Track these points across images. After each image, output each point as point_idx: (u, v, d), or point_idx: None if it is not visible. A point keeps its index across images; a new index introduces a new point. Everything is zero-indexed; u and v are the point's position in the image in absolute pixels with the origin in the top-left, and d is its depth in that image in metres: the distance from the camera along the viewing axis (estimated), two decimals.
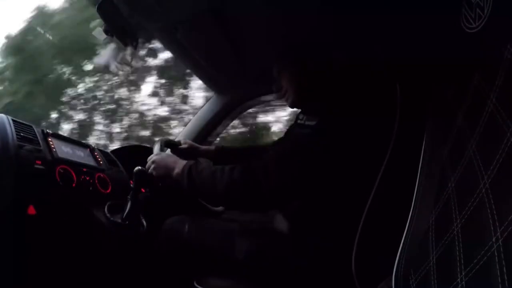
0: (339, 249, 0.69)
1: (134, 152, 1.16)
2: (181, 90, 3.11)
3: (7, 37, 3.22)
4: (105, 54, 0.87)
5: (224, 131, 1.58)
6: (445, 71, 0.52)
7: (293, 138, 0.76)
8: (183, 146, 1.06)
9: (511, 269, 0.25)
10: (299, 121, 0.80)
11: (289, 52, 0.88)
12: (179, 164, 0.77)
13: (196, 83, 2.85)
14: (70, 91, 3.38)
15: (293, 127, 0.81)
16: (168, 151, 1.07)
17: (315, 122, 0.71)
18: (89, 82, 3.40)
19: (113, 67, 0.89)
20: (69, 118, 3.36)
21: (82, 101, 3.37)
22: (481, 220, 0.29)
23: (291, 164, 0.68)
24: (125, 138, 3.18)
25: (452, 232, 0.34)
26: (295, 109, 0.96)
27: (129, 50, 0.89)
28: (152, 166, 0.80)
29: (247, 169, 0.70)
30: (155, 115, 3.19)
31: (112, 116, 3.29)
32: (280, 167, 0.68)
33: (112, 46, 0.86)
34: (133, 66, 0.90)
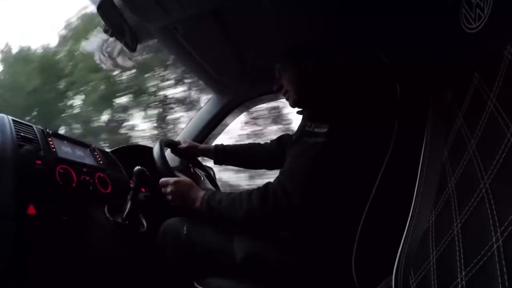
0: (339, 249, 0.69)
1: (134, 152, 1.16)
2: None
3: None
4: (94, 41, 0.86)
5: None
6: (445, 71, 0.52)
7: (305, 149, 0.72)
8: (183, 145, 1.06)
9: (511, 269, 0.25)
10: (307, 128, 0.77)
11: (290, 52, 0.88)
12: (197, 195, 0.78)
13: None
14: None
15: (302, 135, 0.77)
16: (169, 151, 1.07)
17: (326, 129, 0.70)
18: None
19: (97, 57, 0.88)
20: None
21: None
22: (481, 220, 0.29)
23: (311, 181, 0.68)
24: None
25: (452, 232, 0.34)
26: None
27: (118, 46, 0.87)
28: (170, 196, 0.81)
29: (265, 193, 0.70)
30: None
31: None
32: (300, 185, 0.68)
33: (102, 36, 0.84)
34: (118, 63, 0.88)
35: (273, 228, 0.76)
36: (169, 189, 0.81)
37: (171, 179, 0.82)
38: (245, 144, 1.19)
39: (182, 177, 0.83)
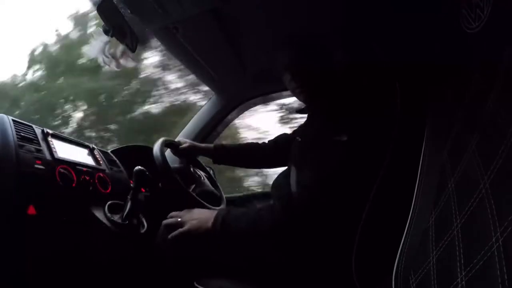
0: (339, 249, 0.70)
1: (134, 152, 1.16)
2: None
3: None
4: (95, 45, 0.86)
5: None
6: (445, 71, 0.52)
7: (324, 154, 0.73)
8: (183, 146, 1.06)
9: (511, 269, 0.25)
10: (322, 129, 0.79)
11: (299, 52, 0.87)
12: (210, 215, 0.75)
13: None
14: None
15: (317, 135, 0.79)
16: (169, 151, 1.07)
17: (342, 129, 0.71)
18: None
19: (100, 60, 0.88)
20: None
21: None
22: (481, 220, 0.29)
23: (337, 186, 0.70)
24: None
25: (452, 232, 0.34)
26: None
27: (121, 47, 0.87)
28: (185, 225, 0.76)
29: (289, 206, 0.70)
30: None
31: None
32: (327, 192, 0.69)
33: (103, 38, 0.84)
34: (121, 63, 0.88)
35: (300, 230, 0.73)
36: (182, 217, 0.78)
37: (181, 212, 0.79)
38: (244, 144, 1.19)
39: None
